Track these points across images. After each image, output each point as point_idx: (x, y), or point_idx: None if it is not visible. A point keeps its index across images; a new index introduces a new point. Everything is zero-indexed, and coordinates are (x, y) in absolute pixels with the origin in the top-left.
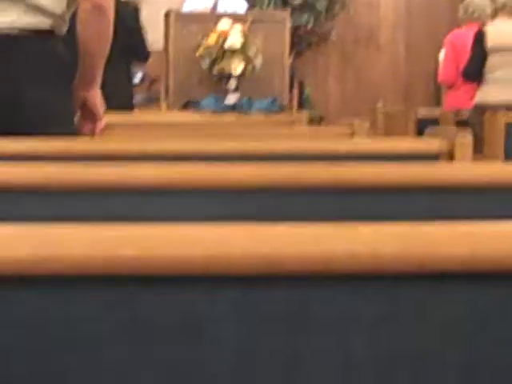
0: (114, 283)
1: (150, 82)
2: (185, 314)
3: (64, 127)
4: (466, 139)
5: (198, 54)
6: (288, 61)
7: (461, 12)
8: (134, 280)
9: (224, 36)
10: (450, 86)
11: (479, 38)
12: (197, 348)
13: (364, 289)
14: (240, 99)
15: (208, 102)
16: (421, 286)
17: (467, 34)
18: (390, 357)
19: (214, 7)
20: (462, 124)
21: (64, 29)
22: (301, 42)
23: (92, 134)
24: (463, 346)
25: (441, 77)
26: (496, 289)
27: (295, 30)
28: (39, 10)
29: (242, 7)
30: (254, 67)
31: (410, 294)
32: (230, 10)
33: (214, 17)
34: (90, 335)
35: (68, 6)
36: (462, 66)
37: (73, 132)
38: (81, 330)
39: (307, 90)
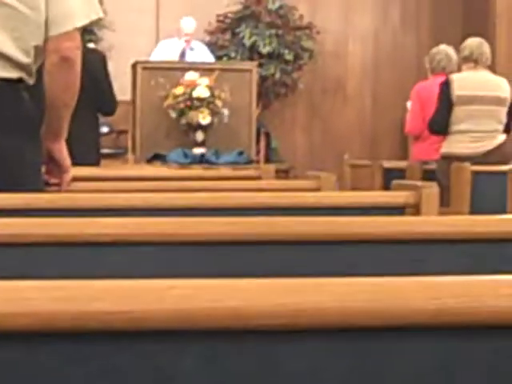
0: (83, 338)
1: (116, 133)
2: (153, 368)
3: (33, 178)
4: (432, 191)
5: (165, 104)
6: (255, 112)
7: (427, 62)
8: (104, 335)
9: (192, 86)
10: (417, 137)
11: (445, 88)
12: None
13: (332, 342)
14: (207, 151)
15: (175, 154)
16: (388, 338)
17: (433, 84)
18: None
19: (182, 58)
20: (429, 174)
21: (31, 80)
22: (268, 93)
23: (59, 186)
24: None
25: (407, 128)
26: (462, 342)
27: (263, 81)
28: (7, 59)
29: (208, 59)
30: (221, 119)
31: (378, 347)
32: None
33: (181, 67)
34: None
35: (35, 57)
36: (428, 117)
37: (40, 184)
38: None
39: (274, 142)
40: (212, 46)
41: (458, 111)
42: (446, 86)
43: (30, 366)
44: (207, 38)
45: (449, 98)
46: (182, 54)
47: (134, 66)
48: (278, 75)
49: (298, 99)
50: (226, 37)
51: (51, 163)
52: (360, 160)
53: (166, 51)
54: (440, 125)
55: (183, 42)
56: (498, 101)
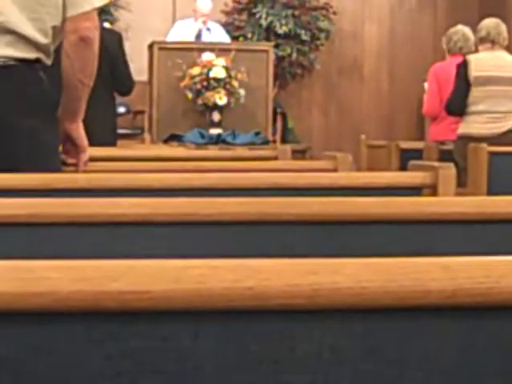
0: (101, 318)
1: (133, 114)
2: (170, 348)
3: (50, 159)
4: (449, 172)
5: (182, 85)
6: (272, 93)
7: (444, 43)
8: (121, 315)
9: (208, 67)
10: (434, 118)
11: (462, 69)
12: (181, 383)
13: (349, 322)
14: (224, 132)
15: (191, 135)
16: (405, 319)
17: (451, 65)
18: None
19: (198, 39)
20: (446, 155)
21: (49, 61)
22: (285, 74)
23: (76, 166)
24: (446, 378)
25: (425, 109)
26: (479, 323)
27: (279, 62)
28: (25, 40)
29: (225, 40)
30: (237, 99)
31: (394, 328)
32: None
33: (197, 48)
34: (77, 371)
35: (53, 37)
36: (445, 98)
37: (58, 164)
38: (68, 366)
39: (291, 123)
40: (228, 27)
41: (475, 92)
42: (463, 67)
43: (46, 347)
44: (223, 19)
45: (466, 78)
46: (199, 35)
47: (150, 47)
48: (294, 56)
49: (315, 80)
50: (242, 17)
51: (68, 143)
52: (377, 140)
53: (182, 32)
54: (457, 105)
55: (200, 22)
56: None
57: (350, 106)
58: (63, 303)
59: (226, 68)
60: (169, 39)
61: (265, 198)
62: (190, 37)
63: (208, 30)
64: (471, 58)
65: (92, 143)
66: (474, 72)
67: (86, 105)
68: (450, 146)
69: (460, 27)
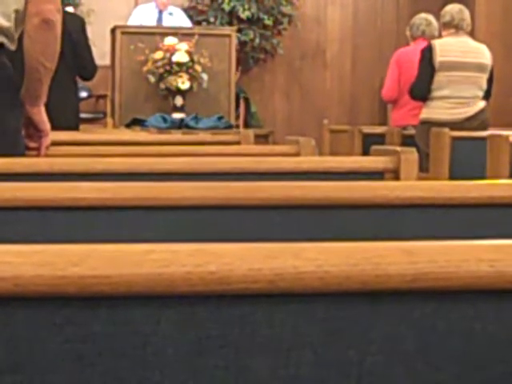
0: (62, 303)
1: (95, 98)
2: (131, 333)
3: (14, 144)
4: (411, 156)
5: (144, 69)
6: (234, 77)
7: (407, 30)
8: (82, 300)
9: (171, 51)
10: (395, 102)
11: (427, 53)
12: (142, 368)
13: (310, 306)
14: (186, 116)
15: (154, 119)
16: (366, 303)
17: (414, 50)
18: (337, 376)
19: (159, 24)
20: (408, 139)
21: (13, 46)
22: (247, 59)
23: (38, 150)
24: (408, 364)
25: (383, 92)
26: (439, 306)
27: (242, 46)
28: None
29: (186, 25)
30: (200, 84)
31: (355, 312)
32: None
33: (160, 32)
34: (38, 355)
35: (16, 22)
36: (405, 82)
37: (21, 149)
38: (29, 350)
39: (254, 107)
40: (191, 11)
41: (439, 77)
42: (428, 52)
43: (6, 331)
44: (186, 3)
45: (431, 63)
46: (159, 19)
47: (113, 31)
48: (257, 40)
49: (278, 64)
50: (205, 1)
51: (31, 127)
52: (339, 125)
53: (142, 16)
54: (421, 90)
55: (159, 6)
56: (480, 67)
57: (313, 90)
58: (24, 288)
59: (189, 52)
60: (129, 23)
61: (227, 183)
62: (151, 21)
63: (170, 14)
64: (436, 42)
65: (54, 127)
66: (439, 57)
67: (48, 89)
68: (412, 131)
69: (423, 14)
